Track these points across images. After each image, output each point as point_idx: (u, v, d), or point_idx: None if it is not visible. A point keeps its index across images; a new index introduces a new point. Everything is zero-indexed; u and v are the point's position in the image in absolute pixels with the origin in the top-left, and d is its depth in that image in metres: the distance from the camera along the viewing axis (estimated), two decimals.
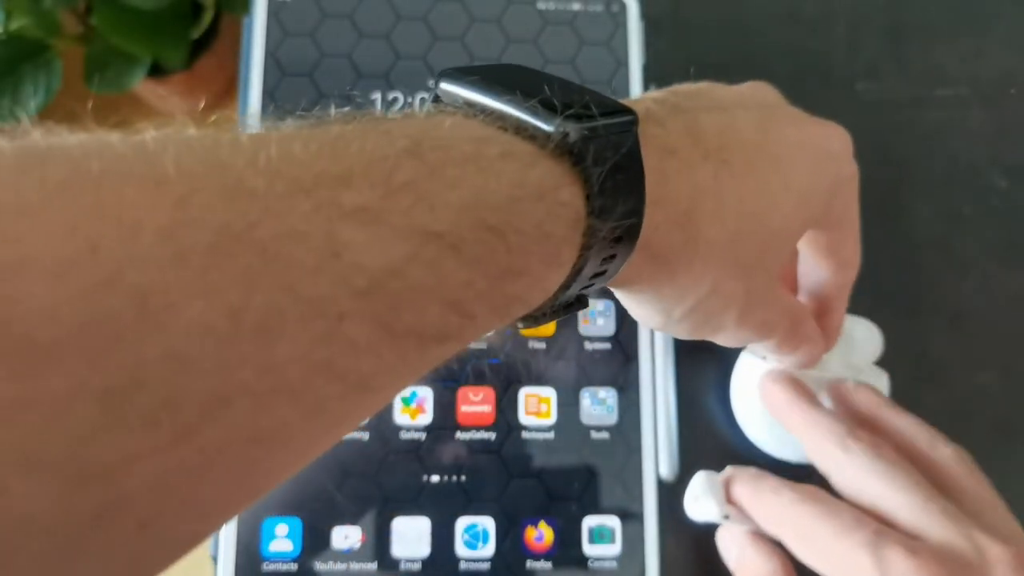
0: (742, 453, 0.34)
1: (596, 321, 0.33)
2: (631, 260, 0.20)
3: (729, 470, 0.30)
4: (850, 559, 0.25)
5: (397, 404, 0.32)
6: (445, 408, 0.32)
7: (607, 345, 0.33)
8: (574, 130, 0.17)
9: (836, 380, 0.32)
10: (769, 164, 0.22)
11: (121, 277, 0.11)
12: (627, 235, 0.19)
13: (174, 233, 0.12)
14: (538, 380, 0.33)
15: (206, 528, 0.14)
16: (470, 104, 0.18)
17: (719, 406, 0.34)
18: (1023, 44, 0.41)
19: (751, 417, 0.33)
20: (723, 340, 0.25)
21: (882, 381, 0.33)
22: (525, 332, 0.33)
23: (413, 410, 0.32)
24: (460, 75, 0.18)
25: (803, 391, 0.31)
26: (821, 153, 0.24)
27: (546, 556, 0.31)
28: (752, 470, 0.29)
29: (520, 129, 0.17)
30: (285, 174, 0.14)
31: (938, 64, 0.40)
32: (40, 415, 0.11)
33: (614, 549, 0.31)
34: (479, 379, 0.32)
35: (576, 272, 0.19)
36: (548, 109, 0.17)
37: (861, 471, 0.27)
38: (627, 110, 0.19)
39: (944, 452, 0.28)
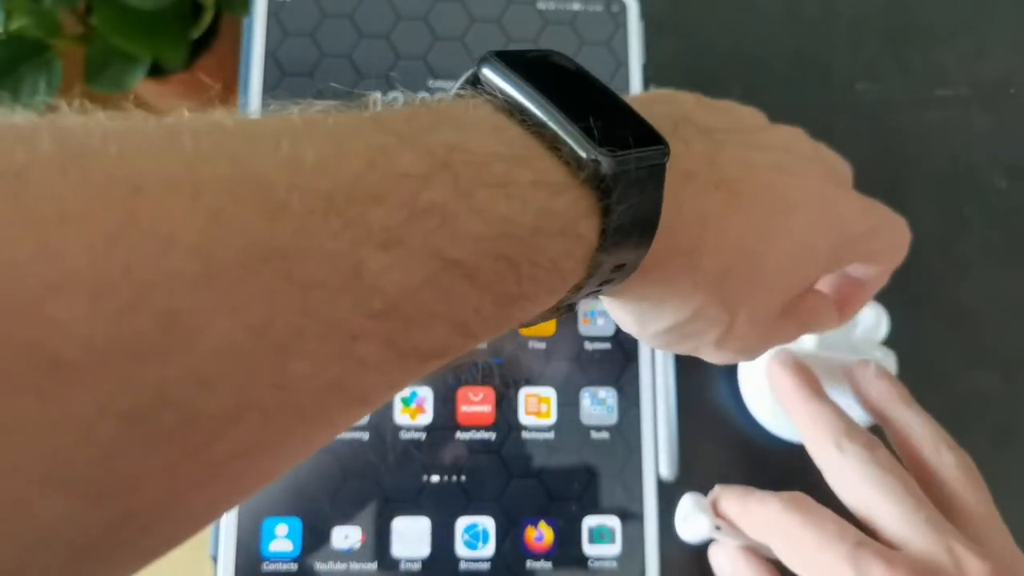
0: (742, 452, 0.34)
1: (596, 321, 0.33)
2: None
3: (717, 489, 0.30)
4: (832, 569, 0.25)
5: (397, 404, 0.32)
6: (445, 408, 0.32)
7: (607, 345, 0.33)
8: (606, 163, 0.17)
9: (851, 362, 0.32)
10: (776, 206, 0.22)
11: (151, 298, 0.11)
12: (630, 264, 0.19)
13: (205, 250, 0.12)
14: (538, 380, 0.33)
15: (200, 527, 0.14)
16: (509, 100, 0.18)
17: (719, 405, 0.34)
18: (1023, 44, 0.41)
19: (758, 397, 0.33)
20: (705, 357, 0.25)
21: (889, 361, 0.33)
22: (525, 332, 0.33)
23: (413, 410, 0.32)
24: (504, 66, 0.18)
25: (808, 379, 0.31)
26: (830, 208, 0.24)
27: (546, 556, 0.31)
28: (739, 487, 0.30)
29: (554, 146, 0.17)
30: (319, 189, 0.14)
31: (938, 64, 0.40)
32: (64, 435, 0.11)
33: (614, 549, 0.31)
34: (479, 379, 0.32)
35: (573, 293, 0.19)
36: (588, 134, 0.17)
37: (854, 473, 0.27)
38: (660, 139, 0.18)
39: (947, 458, 0.28)
